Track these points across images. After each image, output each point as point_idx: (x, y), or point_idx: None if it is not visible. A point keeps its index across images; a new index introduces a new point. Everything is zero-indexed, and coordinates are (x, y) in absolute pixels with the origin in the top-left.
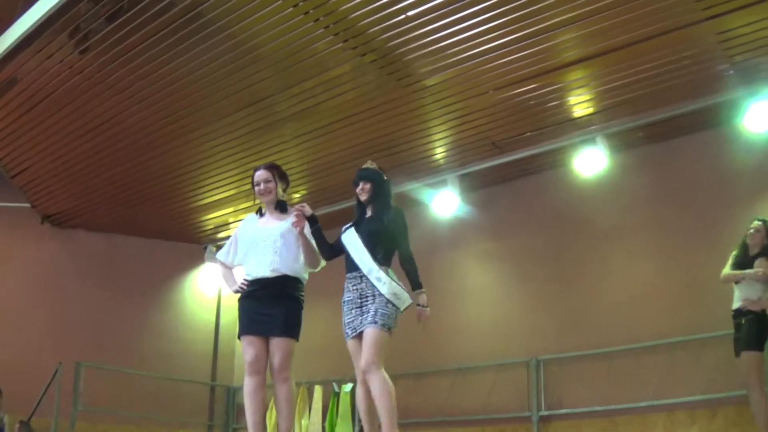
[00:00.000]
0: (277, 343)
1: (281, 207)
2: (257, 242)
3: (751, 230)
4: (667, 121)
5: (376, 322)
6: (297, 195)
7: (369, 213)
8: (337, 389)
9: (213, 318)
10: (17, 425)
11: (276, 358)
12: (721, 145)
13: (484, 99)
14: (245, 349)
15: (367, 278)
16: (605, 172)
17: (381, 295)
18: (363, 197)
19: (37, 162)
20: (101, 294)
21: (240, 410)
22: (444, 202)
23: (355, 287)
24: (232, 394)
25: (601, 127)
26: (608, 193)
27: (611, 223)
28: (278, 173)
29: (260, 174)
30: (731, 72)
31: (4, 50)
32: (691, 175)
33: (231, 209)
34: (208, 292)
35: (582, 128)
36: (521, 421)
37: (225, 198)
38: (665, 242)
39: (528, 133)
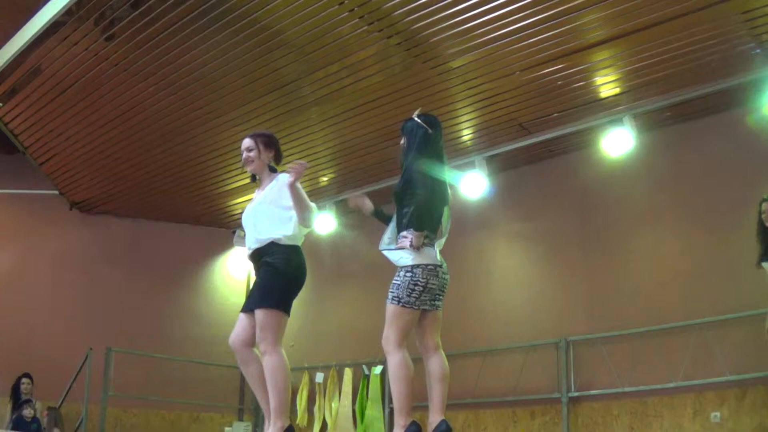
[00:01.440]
0: (255, 317)
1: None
2: (246, 219)
3: (764, 207)
4: (695, 100)
5: (388, 297)
6: (325, 179)
7: None
8: (366, 372)
9: (242, 301)
10: (45, 411)
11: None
12: (749, 124)
13: (511, 80)
14: None
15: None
16: (632, 153)
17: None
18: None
19: (64, 149)
20: (131, 279)
21: None
22: (472, 184)
23: None
24: None
25: (627, 108)
26: (635, 173)
27: (639, 203)
28: (263, 141)
29: (244, 142)
30: (758, 51)
31: (30, 39)
32: (719, 154)
33: None
34: (238, 276)
35: (609, 108)
36: (551, 402)
37: (252, 182)
38: (693, 222)
39: (555, 114)
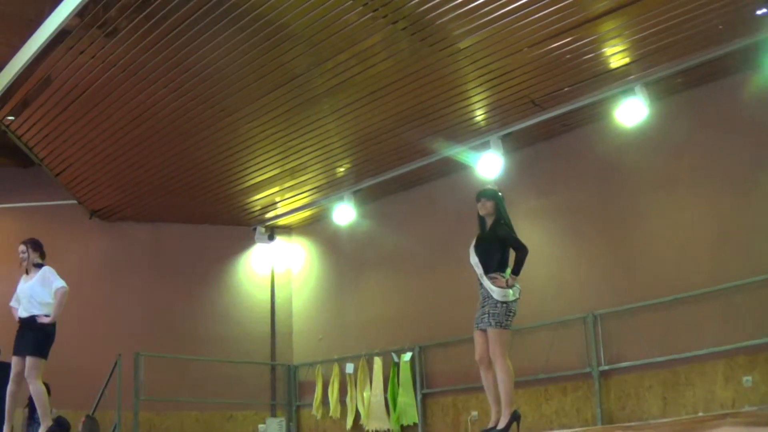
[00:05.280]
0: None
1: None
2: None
3: None
4: (706, 64)
5: (491, 324)
6: (341, 169)
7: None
8: (396, 359)
9: (268, 298)
10: (82, 419)
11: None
12: (761, 85)
13: (519, 57)
14: None
15: (482, 284)
16: (647, 121)
17: (491, 298)
18: (482, 213)
19: (79, 158)
20: (155, 283)
21: (302, 387)
22: (488, 164)
23: (480, 289)
24: (293, 372)
25: (639, 76)
26: (651, 141)
27: (657, 172)
28: (31, 245)
29: (19, 247)
30: (764, 11)
31: (37, 50)
32: (734, 117)
33: (277, 188)
34: (261, 272)
35: (620, 79)
36: (583, 377)
37: (269, 178)
38: (713, 186)
39: (566, 88)
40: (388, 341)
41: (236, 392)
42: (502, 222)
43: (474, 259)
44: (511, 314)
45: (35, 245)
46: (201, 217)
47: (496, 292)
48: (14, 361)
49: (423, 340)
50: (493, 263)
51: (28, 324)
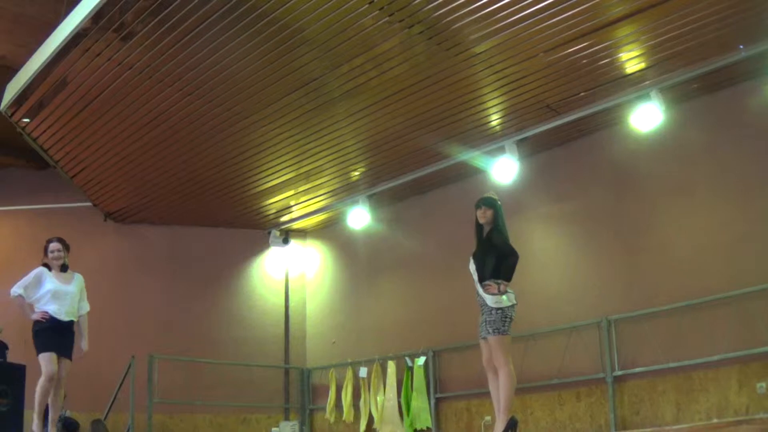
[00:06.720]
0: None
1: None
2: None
3: None
4: (721, 70)
5: (489, 331)
6: (356, 173)
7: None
8: (410, 363)
9: (282, 301)
10: (90, 423)
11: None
12: None
13: (535, 62)
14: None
15: (478, 292)
16: (662, 127)
17: (487, 305)
18: (481, 221)
19: (94, 161)
20: (169, 286)
21: (315, 391)
22: (503, 169)
23: (477, 297)
24: (307, 375)
25: (654, 82)
26: (667, 147)
27: (672, 177)
28: (65, 246)
29: (55, 245)
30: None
31: (53, 52)
32: (750, 122)
33: (291, 192)
34: (276, 276)
35: (635, 84)
36: (596, 383)
37: (284, 181)
38: (728, 192)
39: (582, 93)
40: (402, 345)
41: (250, 395)
42: (497, 230)
43: (471, 267)
44: (508, 320)
45: (67, 245)
46: (215, 220)
47: (489, 299)
48: (55, 359)
49: (437, 344)
50: (488, 271)
51: (70, 328)
